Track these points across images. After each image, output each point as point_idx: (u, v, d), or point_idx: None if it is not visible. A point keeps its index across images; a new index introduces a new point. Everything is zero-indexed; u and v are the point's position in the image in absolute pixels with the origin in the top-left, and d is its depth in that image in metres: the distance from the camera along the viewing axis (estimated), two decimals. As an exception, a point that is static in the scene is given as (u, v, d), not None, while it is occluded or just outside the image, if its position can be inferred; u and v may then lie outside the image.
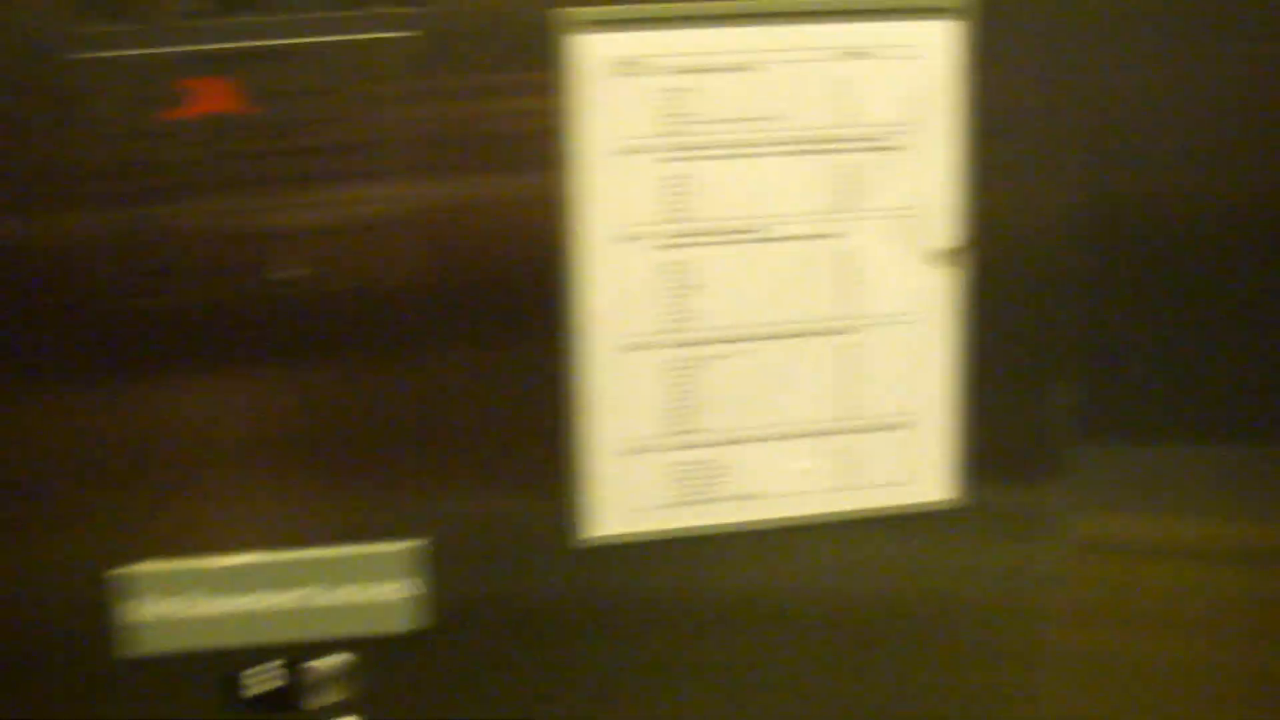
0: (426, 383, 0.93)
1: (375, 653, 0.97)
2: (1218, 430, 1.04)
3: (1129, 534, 1.05)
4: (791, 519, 0.99)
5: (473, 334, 0.93)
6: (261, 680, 0.97)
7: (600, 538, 0.97)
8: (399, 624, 0.96)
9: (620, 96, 0.89)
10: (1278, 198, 1.01)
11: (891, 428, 0.98)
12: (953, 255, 0.95)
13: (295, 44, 0.86)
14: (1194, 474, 1.04)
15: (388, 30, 0.87)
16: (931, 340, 0.97)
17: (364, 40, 0.87)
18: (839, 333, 0.96)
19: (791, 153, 0.92)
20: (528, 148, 0.91)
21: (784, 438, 0.97)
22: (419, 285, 0.91)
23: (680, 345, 0.94)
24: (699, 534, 0.98)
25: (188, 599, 0.93)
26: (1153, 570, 1.06)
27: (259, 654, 0.96)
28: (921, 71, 0.93)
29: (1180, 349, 1.02)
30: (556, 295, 0.92)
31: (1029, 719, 1.07)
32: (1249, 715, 1.09)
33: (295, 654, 0.96)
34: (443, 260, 0.91)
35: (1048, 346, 0.99)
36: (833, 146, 0.93)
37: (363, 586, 0.96)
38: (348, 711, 0.98)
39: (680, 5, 0.89)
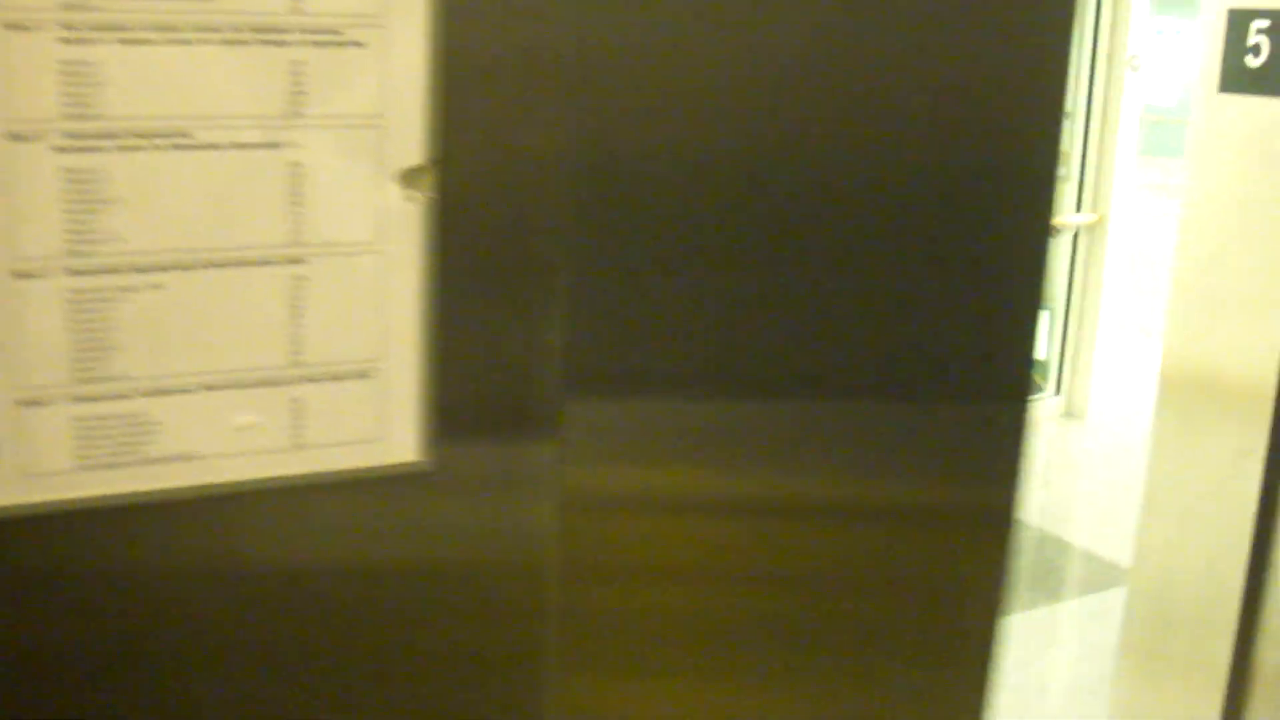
0: None
1: None
2: (709, 383, 0.98)
3: (623, 488, 0.98)
4: (235, 484, 0.85)
5: None
6: None
7: (-10, 510, 0.80)
8: None
9: (6, -42, 0.74)
10: (775, 155, 0.95)
11: (352, 376, 0.87)
12: (420, 175, 0.85)
13: None
14: (687, 427, 0.98)
15: None
16: (397, 275, 0.86)
17: None
18: (286, 263, 0.83)
19: (226, 41, 0.79)
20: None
21: (222, 388, 0.84)
22: None
23: (87, 273, 0.79)
24: (118, 504, 0.83)
25: None
26: (650, 523, 0.99)
27: None
28: (385, -42, 0.82)
29: (674, 302, 0.96)
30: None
31: (532, 678, 0.98)
32: (756, 660, 1.05)
33: None
34: None
35: (532, 289, 0.91)
36: (278, 37, 0.80)
37: None
38: None
39: None
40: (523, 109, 0.88)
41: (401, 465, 0.90)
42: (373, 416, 0.88)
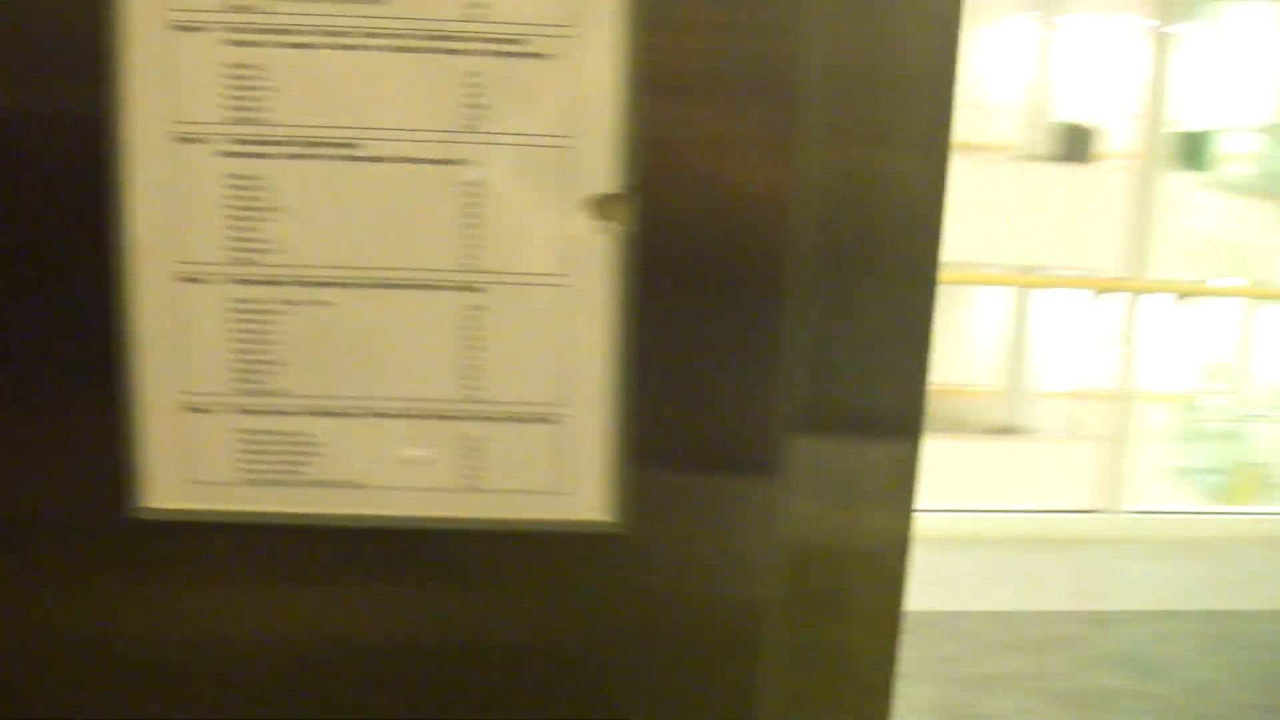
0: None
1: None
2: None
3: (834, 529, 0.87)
4: (401, 519, 0.82)
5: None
6: None
7: (157, 510, 0.81)
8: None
9: (186, -43, 0.74)
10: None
11: (532, 419, 0.81)
12: (613, 204, 0.78)
13: None
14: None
15: None
16: (585, 312, 0.79)
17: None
18: (460, 289, 0.79)
19: (398, 49, 0.76)
20: (59, 25, 0.75)
21: (389, 415, 0.81)
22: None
23: (251, 282, 0.78)
24: (278, 521, 0.82)
25: None
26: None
27: None
28: (586, -38, 0.76)
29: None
30: (101, 209, 0.77)
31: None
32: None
33: None
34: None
35: (751, 332, 0.81)
36: (453, 46, 0.76)
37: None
38: None
39: None
40: (741, 131, 0.79)
41: (589, 523, 0.83)
42: (557, 466, 0.82)
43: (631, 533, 0.84)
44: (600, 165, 0.78)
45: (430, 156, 0.78)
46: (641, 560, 0.85)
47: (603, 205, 0.79)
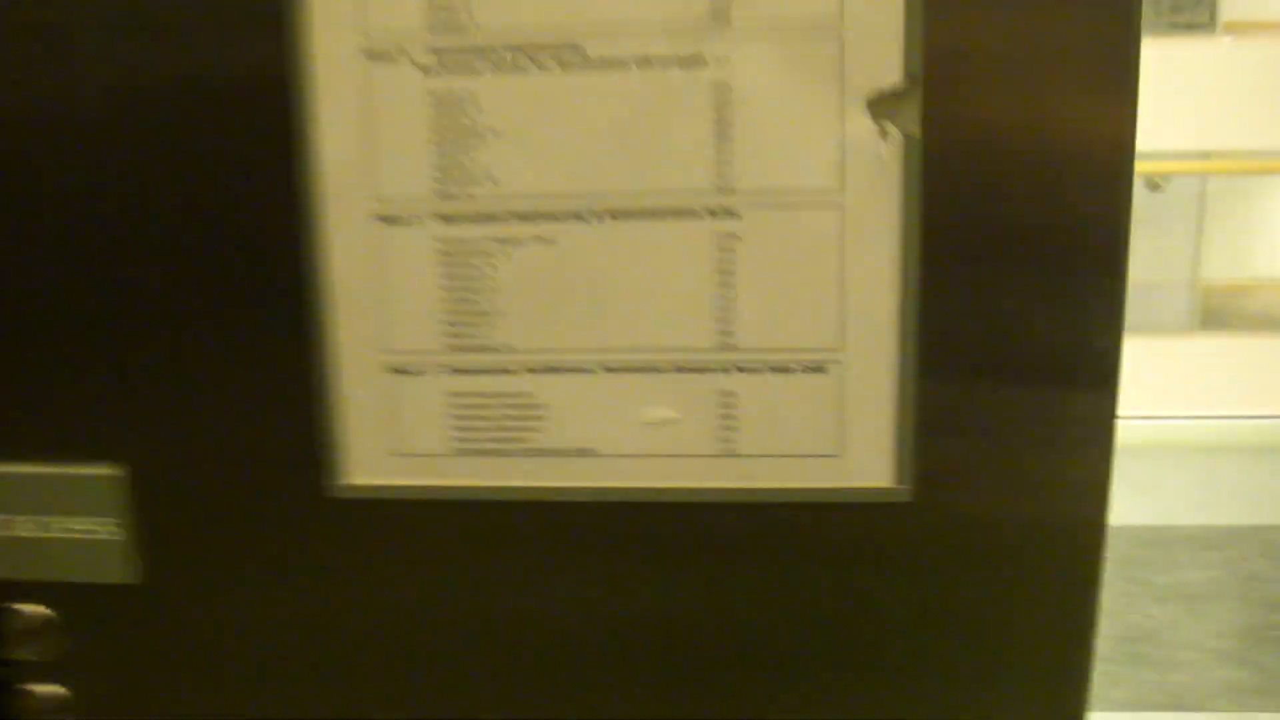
0: (113, 266, 0.68)
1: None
2: None
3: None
4: (644, 491, 0.70)
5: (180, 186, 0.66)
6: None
7: (355, 487, 0.70)
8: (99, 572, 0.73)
9: None
10: None
11: (800, 369, 0.67)
12: (899, 101, 0.63)
13: None
14: None
15: None
16: (865, 237, 0.65)
17: None
18: (711, 215, 0.65)
19: (626, -75, 0.61)
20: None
21: (628, 370, 0.68)
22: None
23: (460, 219, 0.65)
24: (497, 497, 0.70)
25: None
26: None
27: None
28: None
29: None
30: (286, 140, 0.65)
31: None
32: None
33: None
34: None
35: (1071, 264, 0.66)
36: (693, -83, 0.61)
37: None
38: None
39: None
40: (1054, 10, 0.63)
41: (868, 491, 0.69)
42: (831, 424, 0.69)
43: (925, 494, 0.70)
44: (878, 55, 0.63)
45: (668, 56, 0.64)
46: (939, 522, 0.71)
47: (883, 104, 0.64)
